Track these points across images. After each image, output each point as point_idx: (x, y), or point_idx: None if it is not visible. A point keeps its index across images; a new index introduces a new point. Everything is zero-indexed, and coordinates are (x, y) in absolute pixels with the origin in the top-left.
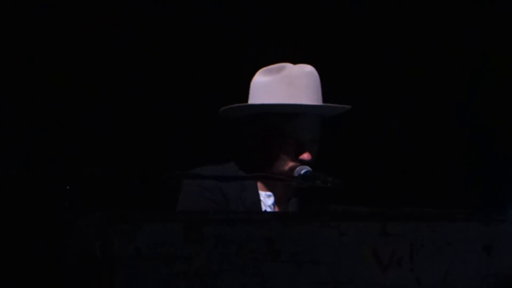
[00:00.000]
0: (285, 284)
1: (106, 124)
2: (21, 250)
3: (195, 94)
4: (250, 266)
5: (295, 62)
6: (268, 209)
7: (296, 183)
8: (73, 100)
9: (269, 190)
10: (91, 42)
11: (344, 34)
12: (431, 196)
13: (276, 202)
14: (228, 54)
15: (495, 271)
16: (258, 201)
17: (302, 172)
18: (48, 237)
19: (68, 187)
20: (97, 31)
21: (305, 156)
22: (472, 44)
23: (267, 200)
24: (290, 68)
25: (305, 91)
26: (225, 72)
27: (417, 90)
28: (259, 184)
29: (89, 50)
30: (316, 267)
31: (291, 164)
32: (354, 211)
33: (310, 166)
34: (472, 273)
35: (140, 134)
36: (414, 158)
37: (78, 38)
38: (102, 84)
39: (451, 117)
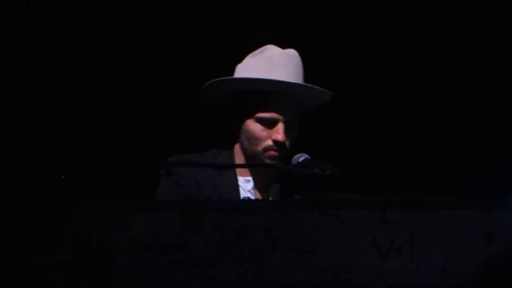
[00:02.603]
0: (283, 273)
1: (101, 113)
2: (17, 240)
3: (187, 84)
4: (248, 255)
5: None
6: (248, 194)
7: (295, 171)
8: (68, 89)
9: (249, 175)
10: (84, 33)
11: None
12: (431, 184)
13: (256, 187)
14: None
15: (496, 259)
16: (235, 186)
17: (300, 159)
18: (44, 227)
19: (64, 177)
20: (92, 22)
21: (279, 137)
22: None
23: (246, 185)
24: (271, 49)
25: (284, 70)
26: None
27: (417, 77)
28: (238, 169)
29: (83, 41)
30: (314, 255)
31: (264, 144)
32: (353, 199)
33: (285, 151)
34: (472, 261)
35: (135, 122)
36: (414, 145)
37: (72, 29)
38: (96, 74)
39: (451, 104)
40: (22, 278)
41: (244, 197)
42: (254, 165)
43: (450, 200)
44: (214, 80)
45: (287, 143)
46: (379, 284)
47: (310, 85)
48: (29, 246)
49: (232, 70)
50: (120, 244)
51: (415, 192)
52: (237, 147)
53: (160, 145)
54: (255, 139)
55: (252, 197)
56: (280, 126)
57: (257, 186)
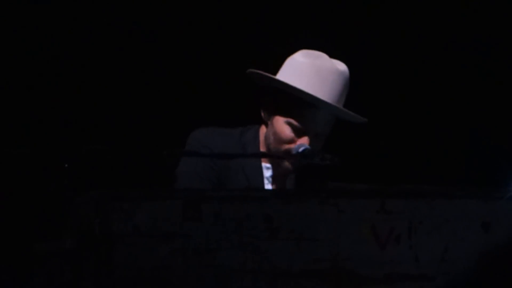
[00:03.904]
0: (283, 261)
1: (104, 101)
2: (21, 228)
3: (195, 71)
4: (248, 243)
5: None
6: (266, 181)
7: (295, 161)
8: (71, 78)
9: (269, 163)
10: (88, 21)
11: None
12: (430, 173)
13: (274, 176)
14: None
15: (493, 248)
16: (259, 168)
17: (300, 150)
18: (48, 215)
19: (67, 165)
20: (100, 8)
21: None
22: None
23: (265, 172)
24: (325, 59)
25: (329, 86)
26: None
27: (417, 68)
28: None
29: (87, 28)
30: (314, 244)
31: (287, 147)
32: (352, 188)
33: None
34: (470, 250)
35: (139, 111)
36: (413, 135)
37: (76, 18)
38: (101, 61)
39: (451, 93)
40: (26, 265)
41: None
42: (253, 155)
43: (449, 190)
44: (260, 72)
45: None
46: (378, 272)
47: (348, 111)
48: (33, 234)
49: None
50: (123, 232)
51: (414, 181)
52: (262, 135)
53: (162, 134)
54: (280, 139)
55: (269, 185)
56: (308, 137)
57: (275, 174)
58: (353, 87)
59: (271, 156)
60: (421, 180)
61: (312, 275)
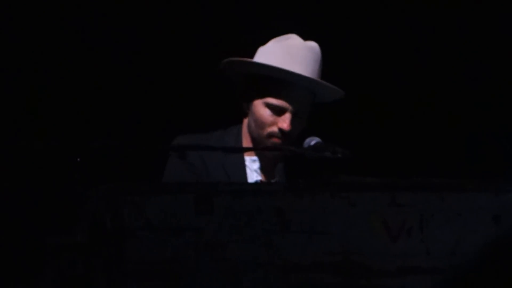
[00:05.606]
0: (295, 254)
1: (115, 96)
2: (33, 222)
3: (195, 65)
4: (260, 237)
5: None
6: (254, 174)
7: (306, 154)
8: (82, 73)
9: (255, 155)
10: (91, 17)
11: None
12: (441, 166)
13: (261, 167)
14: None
15: (504, 241)
16: (242, 166)
17: (312, 143)
18: (60, 209)
19: (78, 160)
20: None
21: (285, 125)
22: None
23: (252, 164)
24: (293, 39)
25: (301, 62)
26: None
27: (429, 57)
28: None
29: (91, 22)
30: (326, 237)
31: (269, 129)
32: (364, 181)
33: (288, 140)
34: (481, 243)
35: (149, 105)
36: (424, 127)
37: (78, 9)
38: (109, 57)
39: (461, 87)
40: (38, 259)
41: (256, 180)
42: (265, 148)
43: (460, 183)
44: (233, 58)
45: (293, 132)
46: (389, 265)
47: (322, 81)
48: (44, 228)
49: (253, 51)
50: (134, 226)
51: (425, 174)
52: (245, 127)
53: (171, 126)
54: (261, 123)
55: (259, 177)
56: (288, 116)
57: (263, 166)
58: (361, 82)
59: (283, 149)
60: (432, 173)
61: (323, 268)
